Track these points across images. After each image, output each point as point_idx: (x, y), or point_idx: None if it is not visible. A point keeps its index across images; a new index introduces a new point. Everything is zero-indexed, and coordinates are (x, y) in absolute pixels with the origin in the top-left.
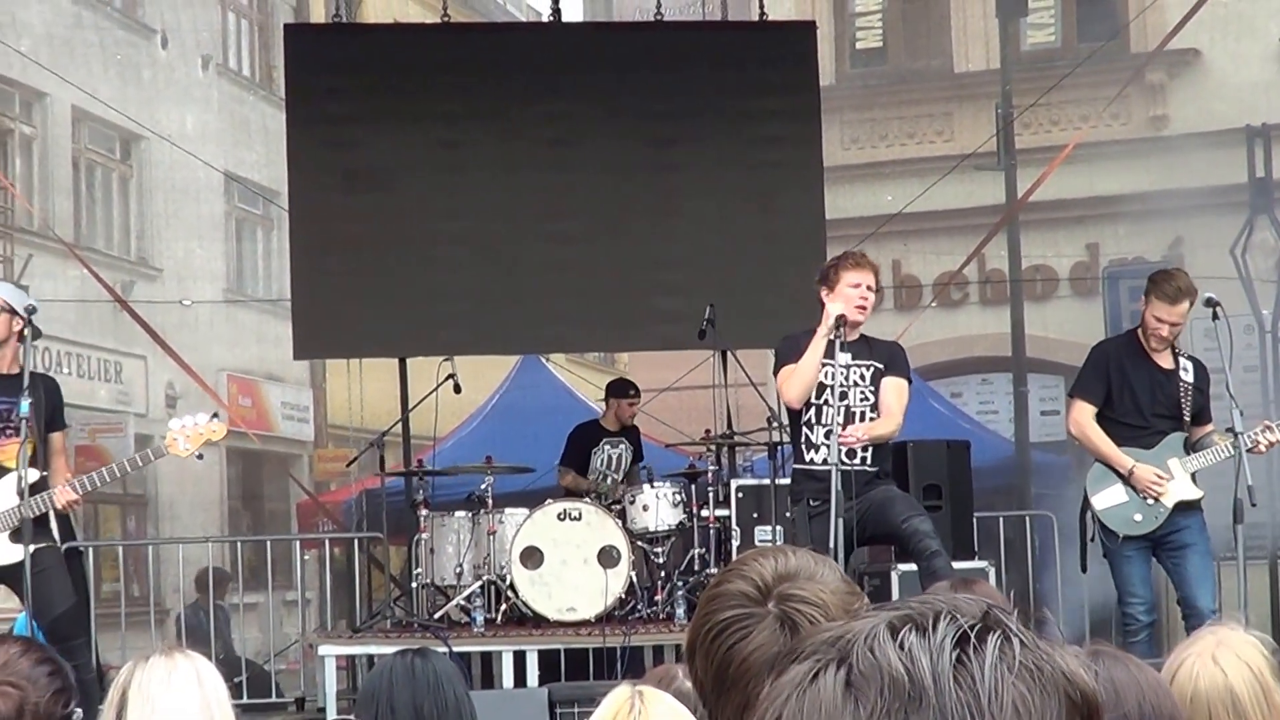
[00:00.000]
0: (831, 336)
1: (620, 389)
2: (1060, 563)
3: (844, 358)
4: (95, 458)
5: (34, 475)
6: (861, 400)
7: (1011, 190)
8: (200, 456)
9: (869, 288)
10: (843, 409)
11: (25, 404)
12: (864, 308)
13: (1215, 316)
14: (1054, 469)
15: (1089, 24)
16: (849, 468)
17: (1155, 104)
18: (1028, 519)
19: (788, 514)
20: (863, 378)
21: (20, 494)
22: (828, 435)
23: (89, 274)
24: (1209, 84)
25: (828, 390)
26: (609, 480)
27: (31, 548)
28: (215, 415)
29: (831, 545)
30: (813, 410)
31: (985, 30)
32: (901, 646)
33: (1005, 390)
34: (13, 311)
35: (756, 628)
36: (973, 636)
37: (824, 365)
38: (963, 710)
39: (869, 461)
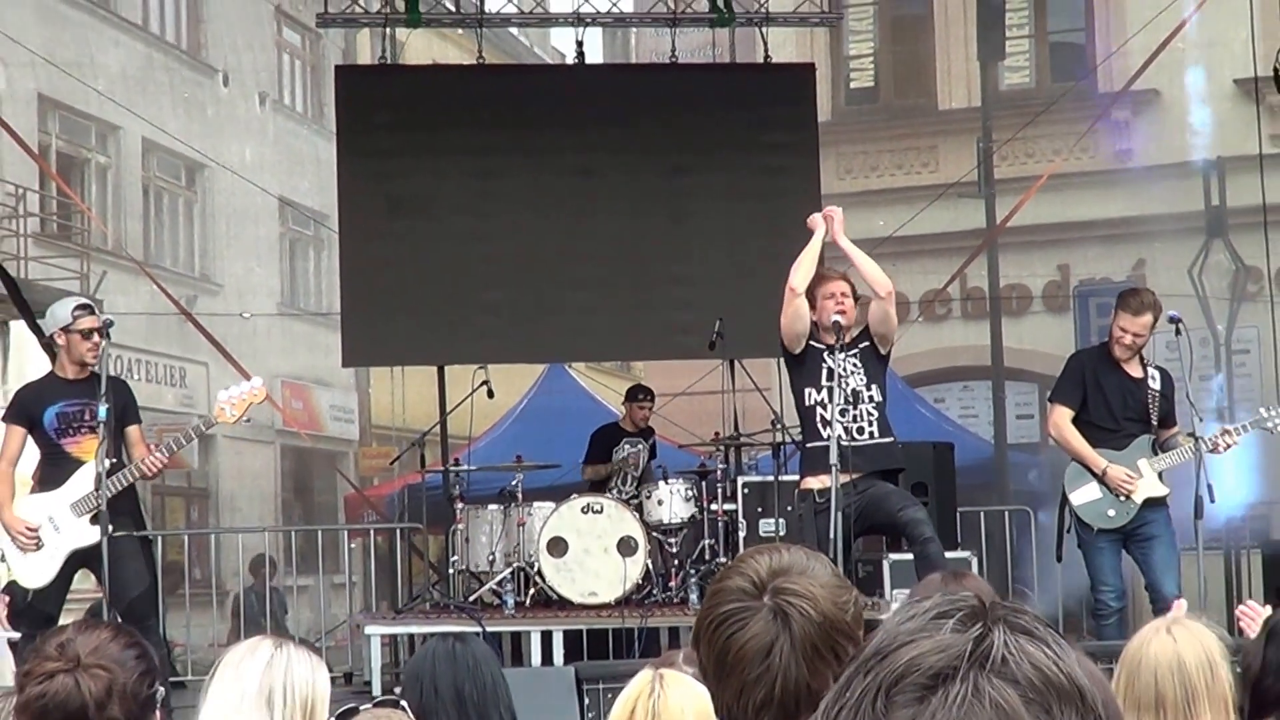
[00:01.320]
0: (830, 343)
1: (632, 394)
2: (1036, 553)
3: (841, 358)
4: None
5: (108, 463)
6: (859, 381)
7: (991, 216)
8: (249, 420)
9: (843, 294)
10: (848, 393)
11: (104, 409)
12: (844, 311)
13: (1178, 332)
14: (1029, 467)
15: (1060, 67)
16: (862, 443)
17: (1120, 139)
18: (1006, 513)
19: (790, 508)
20: (857, 365)
21: (97, 482)
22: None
23: (157, 289)
24: (1169, 121)
25: (836, 381)
26: (627, 479)
27: (110, 530)
28: (255, 381)
29: (832, 537)
30: (824, 391)
31: (967, 72)
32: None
33: (984, 396)
34: (86, 335)
35: (752, 619)
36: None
37: (824, 364)
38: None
39: (876, 435)
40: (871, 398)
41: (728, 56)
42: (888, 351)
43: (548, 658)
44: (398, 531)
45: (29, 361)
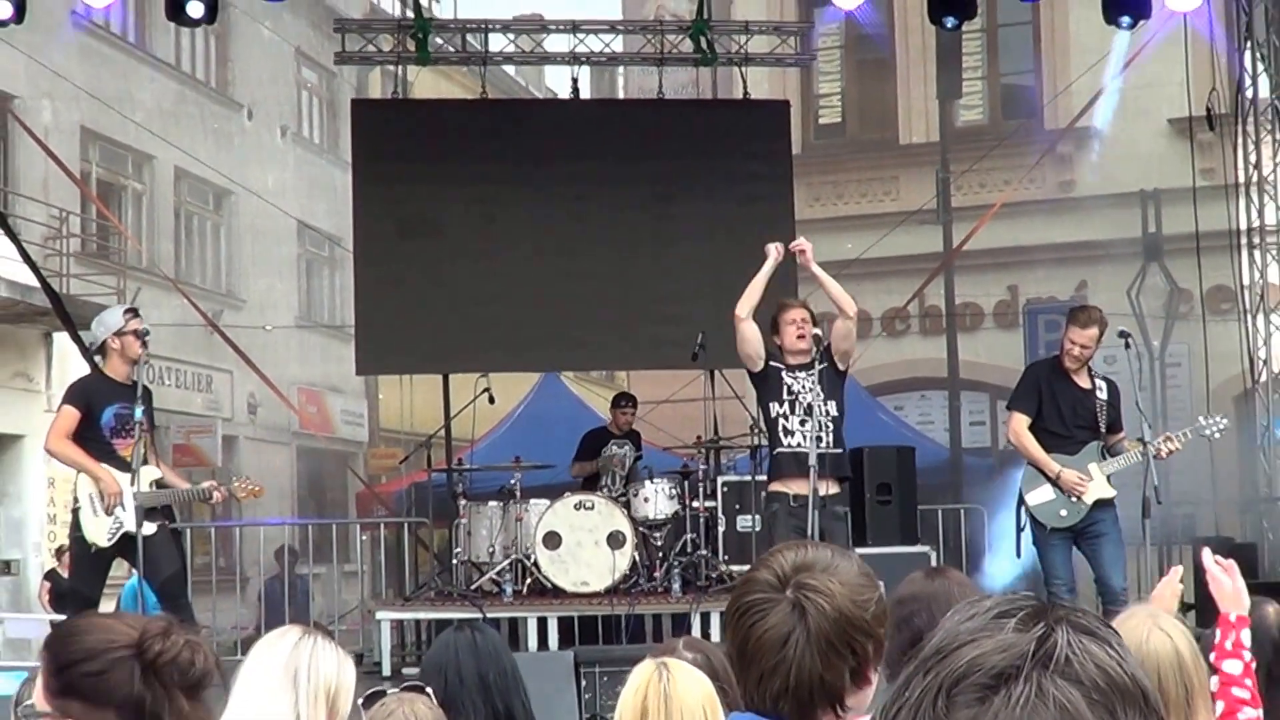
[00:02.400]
0: (793, 364)
1: (617, 401)
2: (988, 549)
3: (801, 376)
4: (190, 454)
5: (156, 473)
6: (816, 397)
7: (948, 240)
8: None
9: (803, 320)
10: (807, 407)
11: (139, 410)
12: (803, 336)
13: (1127, 346)
14: (981, 470)
15: (1011, 105)
16: (822, 451)
17: (1064, 171)
18: (962, 511)
19: (762, 513)
20: (815, 383)
21: (151, 484)
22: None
23: (187, 303)
24: (1109, 156)
25: (796, 397)
26: (616, 479)
27: (151, 526)
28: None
29: (808, 532)
30: (785, 405)
31: (926, 109)
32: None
33: (940, 405)
34: (138, 335)
35: (772, 611)
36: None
37: (786, 382)
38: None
39: (830, 445)
40: (828, 412)
41: (710, 93)
42: (846, 368)
43: (543, 642)
44: (405, 525)
45: (71, 370)
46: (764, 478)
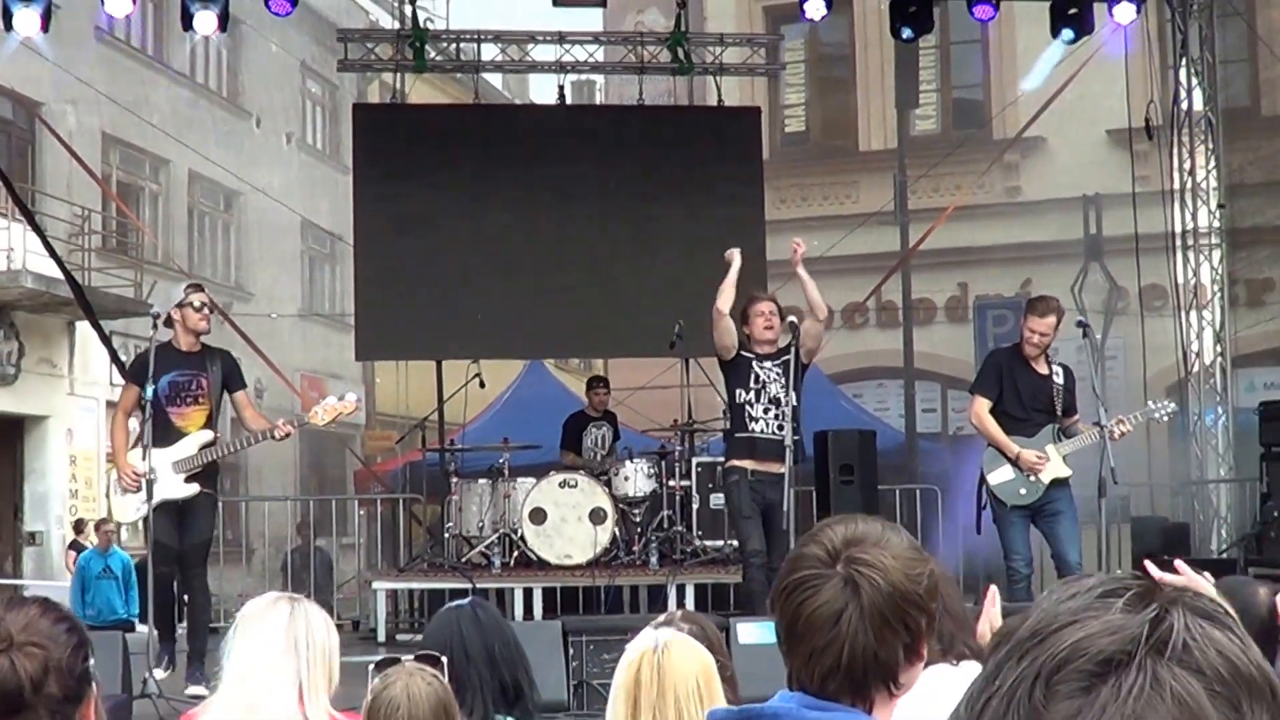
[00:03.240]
0: (761, 352)
1: (591, 384)
2: (942, 526)
3: (769, 366)
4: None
5: (209, 435)
6: (779, 388)
7: (905, 240)
8: (334, 425)
9: (771, 312)
10: (770, 397)
11: (151, 389)
12: (771, 327)
13: (1085, 335)
14: (933, 453)
15: (961, 116)
16: (780, 438)
17: (1011, 178)
18: (917, 491)
19: (722, 484)
20: (779, 374)
21: (200, 448)
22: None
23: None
24: (1053, 163)
25: (763, 386)
26: (597, 458)
27: (197, 489)
28: (350, 396)
29: (785, 509)
30: (751, 393)
31: (884, 119)
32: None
33: (895, 393)
34: (195, 307)
35: (824, 587)
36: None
37: (755, 371)
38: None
39: (793, 433)
40: (789, 401)
41: (687, 100)
42: (809, 363)
43: (529, 611)
44: (401, 501)
45: (92, 357)
46: None
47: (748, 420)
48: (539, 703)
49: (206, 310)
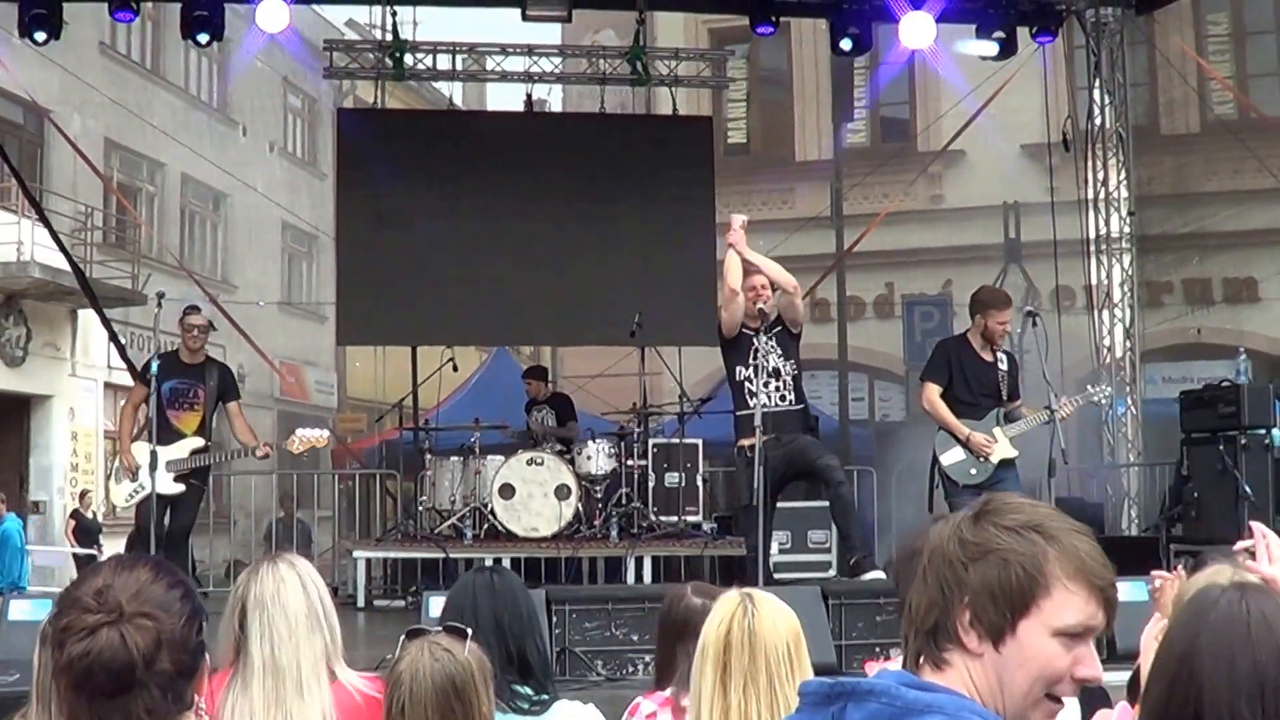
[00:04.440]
0: (755, 326)
1: (525, 374)
2: (876, 505)
3: (763, 339)
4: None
5: (201, 442)
6: (778, 358)
7: (840, 243)
8: (305, 455)
9: (762, 286)
10: (770, 370)
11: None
12: (765, 299)
13: (1034, 324)
14: (863, 437)
15: (889, 131)
16: (783, 409)
17: (934, 187)
18: (855, 472)
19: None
20: (775, 345)
21: (191, 453)
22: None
23: (189, 286)
24: (973, 174)
25: (761, 361)
26: (539, 429)
27: (184, 488)
28: (323, 432)
29: (755, 485)
30: (750, 369)
31: (818, 132)
32: None
33: (827, 383)
34: (185, 329)
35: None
36: None
37: (755, 345)
38: None
39: (793, 402)
40: (789, 371)
41: (645, 109)
42: (799, 332)
43: None
44: (377, 476)
45: (93, 342)
46: (690, 440)
47: (747, 396)
48: (549, 674)
49: (197, 332)
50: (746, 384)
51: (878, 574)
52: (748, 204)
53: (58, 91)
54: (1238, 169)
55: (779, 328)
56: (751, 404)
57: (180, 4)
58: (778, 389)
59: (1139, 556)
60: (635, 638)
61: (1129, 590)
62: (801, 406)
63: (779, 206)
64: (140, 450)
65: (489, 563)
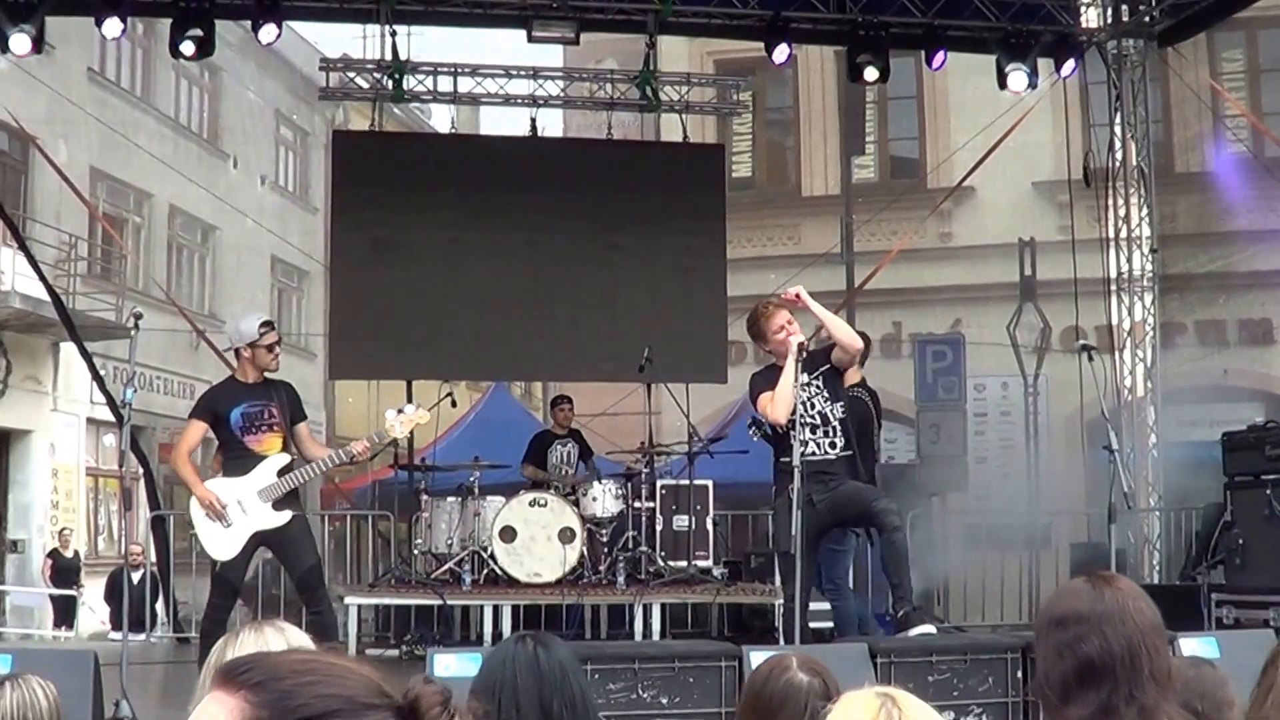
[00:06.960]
0: (798, 358)
1: (555, 401)
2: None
3: (804, 376)
4: (172, 451)
5: (285, 459)
6: (824, 403)
7: (850, 280)
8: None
9: (788, 321)
10: (818, 416)
11: (130, 392)
12: (795, 333)
13: (1090, 359)
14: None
15: (898, 167)
16: (831, 456)
17: (944, 224)
18: None
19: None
20: (820, 388)
21: (278, 474)
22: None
23: (174, 321)
24: (982, 211)
25: (805, 405)
26: (564, 472)
27: (289, 514)
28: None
29: (794, 533)
30: (795, 415)
31: (825, 166)
32: None
33: None
34: (269, 349)
35: None
36: None
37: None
38: None
39: (843, 448)
40: (837, 415)
41: (654, 135)
42: (843, 370)
43: (497, 626)
44: (369, 517)
45: (75, 376)
46: (700, 481)
47: (794, 444)
48: None
49: (278, 349)
50: (791, 432)
51: (928, 628)
52: (751, 239)
53: (44, 119)
54: (1253, 207)
55: (825, 365)
56: (798, 453)
57: (170, 20)
58: (825, 434)
59: (1177, 606)
60: (665, 700)
61: (1195, 646)
62: (850, 453)
63: (783, 242)
64: (222, 488)
65: (489, 611)
